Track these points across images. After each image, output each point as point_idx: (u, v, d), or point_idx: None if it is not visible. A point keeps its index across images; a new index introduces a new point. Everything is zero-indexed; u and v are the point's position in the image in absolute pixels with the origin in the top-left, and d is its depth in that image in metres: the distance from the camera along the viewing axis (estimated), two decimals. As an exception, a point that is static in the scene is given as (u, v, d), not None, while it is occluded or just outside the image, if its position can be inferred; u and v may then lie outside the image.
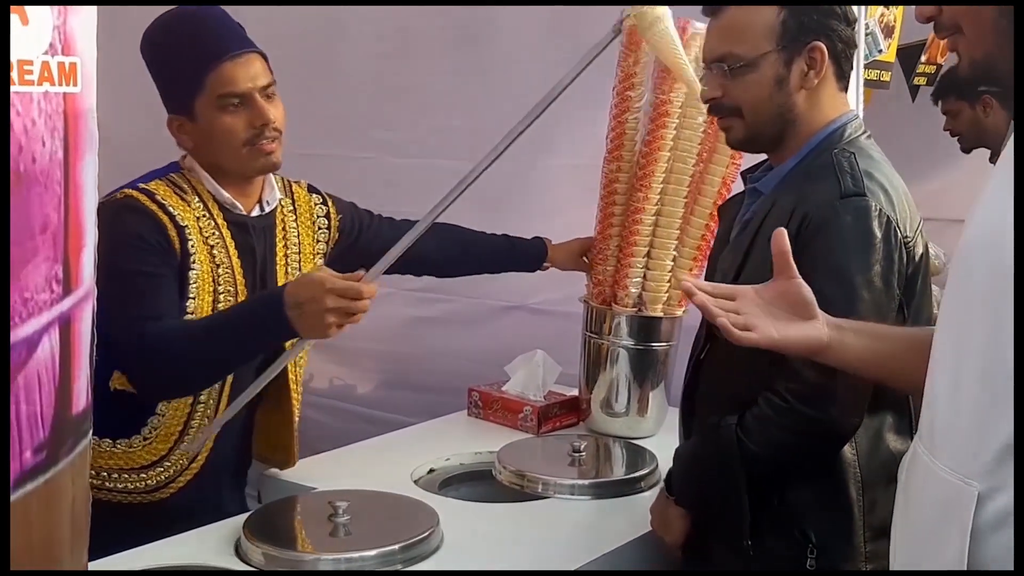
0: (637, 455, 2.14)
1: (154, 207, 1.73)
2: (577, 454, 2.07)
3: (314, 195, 2.02)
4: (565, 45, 2.22)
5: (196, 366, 1.69)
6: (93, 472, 1.64)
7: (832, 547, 1.55)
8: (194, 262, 1.74)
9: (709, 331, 1.66)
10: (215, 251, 1.78)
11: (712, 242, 2.22)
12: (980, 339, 1.06)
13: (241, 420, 1.87)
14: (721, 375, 1.66)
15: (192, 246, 1.75)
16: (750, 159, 2.02)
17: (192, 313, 1.74)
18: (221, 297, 1.78)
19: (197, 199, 1.80)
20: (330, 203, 2.03)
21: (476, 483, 2.11)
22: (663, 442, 2.21)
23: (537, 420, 2.30)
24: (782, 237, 1.35)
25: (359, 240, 2.06)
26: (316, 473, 2.02)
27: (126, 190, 1.75)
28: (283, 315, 1.57)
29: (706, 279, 1.79)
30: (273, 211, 1.90)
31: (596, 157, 2.30)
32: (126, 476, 1.79)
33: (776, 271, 1.35)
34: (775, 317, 1.34)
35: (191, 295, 1.74)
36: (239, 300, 1.80)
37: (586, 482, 1.98)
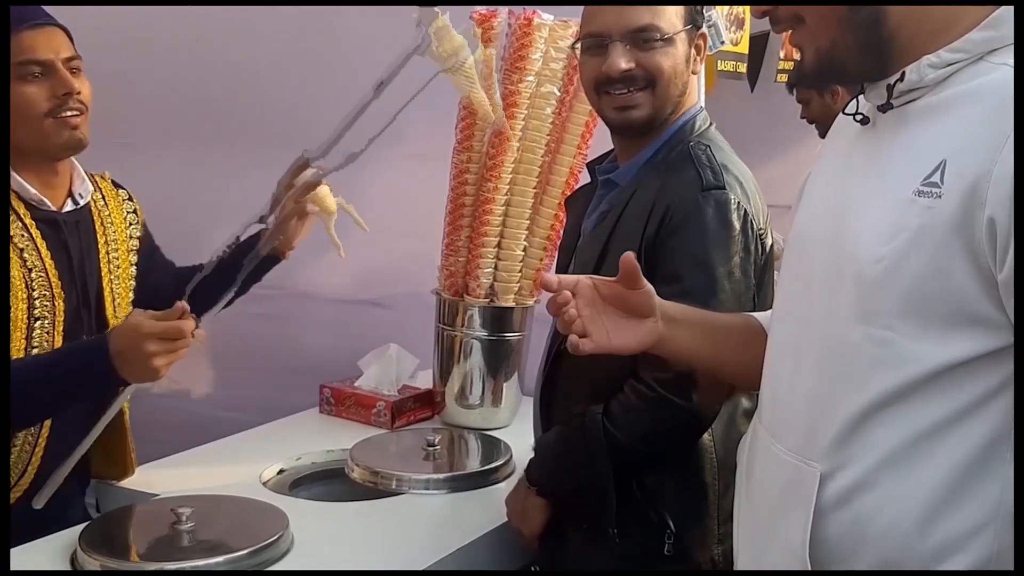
0: (492, 446, 2.13)
1: None
2: (432, 448, 2.04)
3: (120, 190, 1.92)
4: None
5: (21, 415, 1.59)
6: None
7: (687, 530, 1.58)
8: None
9: None
10: (25, 254, 1.66)
11: (560, 231, 2.25)
12: (817, 325, 1.09)
13: (72, 436, 1.73)
14: (583, 365, 1.65)
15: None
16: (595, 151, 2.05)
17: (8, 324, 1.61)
18: (37, 303, 1.67)
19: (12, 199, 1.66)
20: (135, 201, 1.93)
21: (329, 482, 2.06)
22: (517, 431, 2.23)
23: (391, 415, 2.27)
24: (630, 261, 1.30)
25: (152, 257, 1.95)
26: (157, 480, 1.93)
27: None
28: (108, 364, 1.52)
29: (558, 271, 1.79)
30: (87, 205, 1.79)
31: (443, 147, 2.28)
32: None
33: (624, 282, 1.31)
34: (609, 316, 1.30)
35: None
36: (56, 304, 1.69)
37: (440, 476, 1.96)
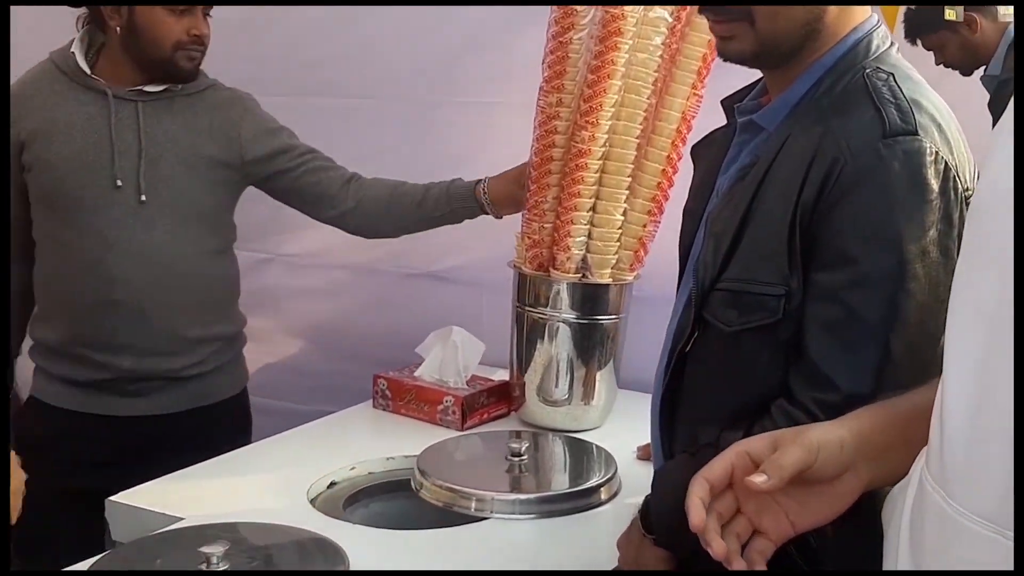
0: (588, 456, 1.75)
1: None
2: (517, 458, 1.66)
3: None
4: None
5: None
6: None
7: None
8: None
9: (697, 314, 1.26)
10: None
11: (669, 191, 1.85)
12: (1010, 338, 0.71)
13: None
14: (716, 375, 1.25)
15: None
16: (718, 87, 1.64)
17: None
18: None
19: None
20: None
21: (390, 499, 1.69)
22: (611, 434, 1.86)
23: (461, 413, 1.89)
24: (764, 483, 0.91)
25: None
26: (180, 497, 1.56)
27: None
28: None
29: (683, 239, 1.39)
30: None
31: (524, 92, 1.88)
32: None
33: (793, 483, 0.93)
34: (785, 493, 0.94)
35: None
36: None
37: (531, 496, 1.58)
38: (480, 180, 1.92)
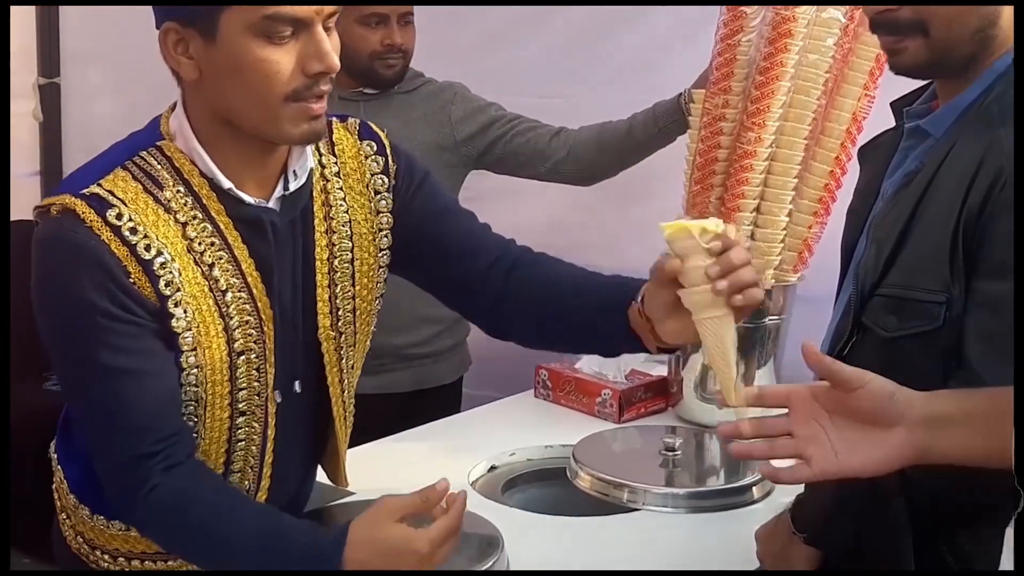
0: (743, 454, 1.76)
1: (106, 233, 1.11)
2: (671, 453, 1.69)
3: (366, 142, 1.31)
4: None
5: (195, 555, 1.22)
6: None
7: None
8: (177, 303, 1.14)
9: (856, 318, 1.26)
10: (216, 271, 1.17)
11: (836, 192, 1.83)
12: None
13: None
14: (880, 371, 1.25)
15: (169, 278, 1.14)
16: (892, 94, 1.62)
17: (199, 370, 1.18)
18: (238, 334, 1.19)
19: (183, 192, 1.16)
20: (388, 150, 1.31)
21: (547, 485, 1.76)
22: (770, 435, 1.86)
23: (618, 406, 1.93)
24: (812, 352, 0.99)
25: (411, 203, 1.33)
26: (352, 471, 1.66)
27: (66, 197, 1.12)
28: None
29: (845, 241, 1.38)
30: (304, 185, 1.24)
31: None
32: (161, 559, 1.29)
33: (832, 383, 0.99)
34: (840, 429, 0.99)
35: (184, 347, 1.16)
36: (265, 330, 1.20)
37: (683, 491, 1.61)
38: (680, 93, 1.96)
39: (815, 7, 1.71)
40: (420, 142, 1.94)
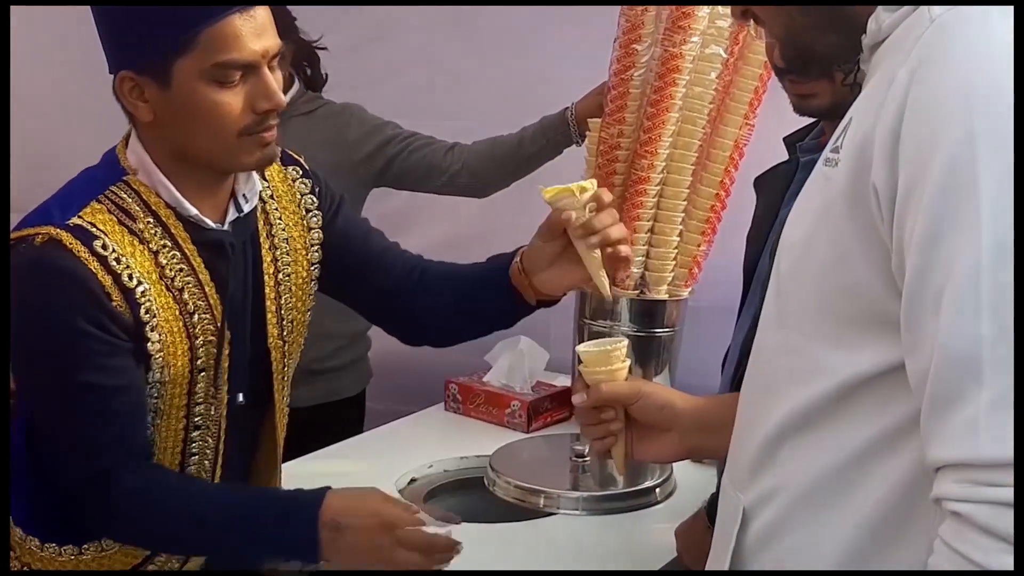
0: (645, 458, 1.90)
1: (93, 263, 1.19)
2: (580, 460, 1.81)
3: (290, 167, 1.42)
4: None
5: (170, 543, 1.32)
6: None
7: None
8: (153, 328, 1.23)
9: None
10: (185, 294, 1.26)
11: (721, 213, 1.99)
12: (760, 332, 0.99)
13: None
14: None
15: (148, 305, 1.22)
16: (769, 124, 1.79)
17: (161, 385, 1.26)
18: (201, 352, 1.28)
19: (152, 223, 1.25)
20: (311, 173, 1.45)
21: (465, 494, 1.86)
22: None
23: (527, 416, 2.05)
24: (593, 398, 1.27)
25: (333, 223, 1.45)
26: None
27: (50, 228, 1.19)
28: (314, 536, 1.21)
29: (747, 263, 1.53)
30: (253, 209, 1.35)
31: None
32: None
33: (617, 402, 1.26)
34: (636, 429, 1.24)
35: (154, 367, 1.25)
36: (222, 349, 1.29)
37: (595, 495, 1.74)
38: (567, 107, 2.06)
39: (700, 44, 1.86)
40: (320, 163, 1.98)
